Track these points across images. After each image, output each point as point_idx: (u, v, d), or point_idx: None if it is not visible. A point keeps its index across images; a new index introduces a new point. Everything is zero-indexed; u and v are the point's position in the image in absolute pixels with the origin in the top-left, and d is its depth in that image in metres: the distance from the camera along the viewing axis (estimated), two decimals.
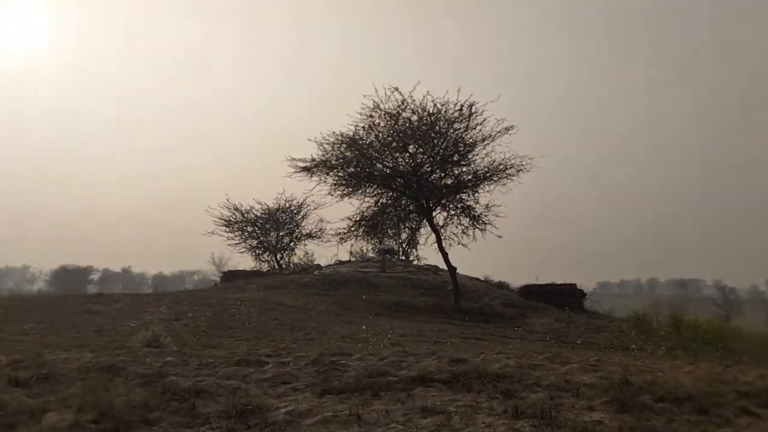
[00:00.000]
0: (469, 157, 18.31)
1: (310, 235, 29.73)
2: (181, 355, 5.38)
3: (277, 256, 30.04)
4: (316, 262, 27.90)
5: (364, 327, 12.04)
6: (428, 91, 16.86)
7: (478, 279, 24.90)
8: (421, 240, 19.68)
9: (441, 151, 18.07)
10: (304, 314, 14.63)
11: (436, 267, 25.48)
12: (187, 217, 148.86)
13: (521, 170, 18.31)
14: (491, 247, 18.61)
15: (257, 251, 30.05)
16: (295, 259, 31.13)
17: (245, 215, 29.30)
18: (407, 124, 17.52)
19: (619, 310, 23.47)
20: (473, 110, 16.95)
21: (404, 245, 26.91)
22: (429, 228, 19.60)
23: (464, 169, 18.63)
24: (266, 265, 30.51)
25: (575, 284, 23.94)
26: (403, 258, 27.37)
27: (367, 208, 19.28)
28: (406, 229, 20.88)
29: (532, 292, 22.62)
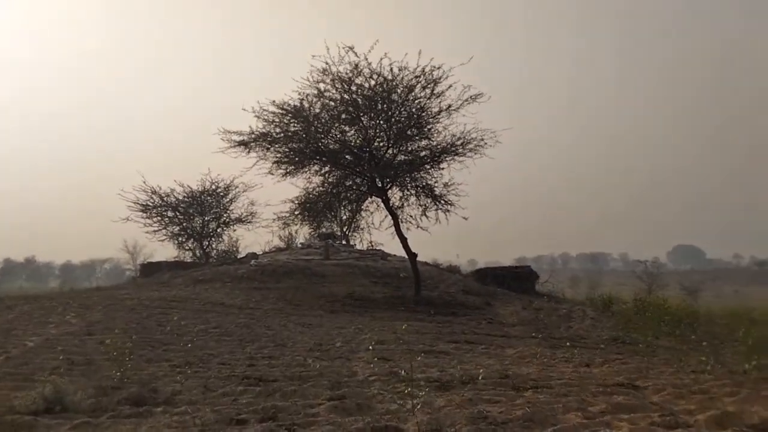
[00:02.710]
0: (427, 130, 16.33)
1: (240, 220, 26.88)
2: None
3: (203, 244, 27.00)
4: (250, 251, 25.15)
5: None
6: (386, 53, 14.61)
7: (427, 263, 23.17)
8: (376, 223, 17.53)
9: (396, 123, 15.97)
10: (248, 316, 12.27)
11: (382, 252, 23.56)
12: (99, 200, 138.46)
13: (480, 145, 16.54)
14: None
15: (180, 239, 26.86)
16: (222, 247, 28.25)
17: (164, 199, 25.98)
18: (360, 92, 15.26)
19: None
20: (436, 75, 14.92)
21: (345, 229, 24.87)
22: (377, 210, 17.67)
23: (422, 144, 16.66)
24: (190, 254, 27.42)
25: (530, 266, 22.87)
26: (345, 242, 25.22)
27: (314, 188, 16.95)
28: (348, 212, 18.83)
29: (487, 276, 21.26)
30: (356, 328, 11.11)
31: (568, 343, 9.09)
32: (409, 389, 4.00)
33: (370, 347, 8.48)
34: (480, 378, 5.62)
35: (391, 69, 14.97)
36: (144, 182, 25.14)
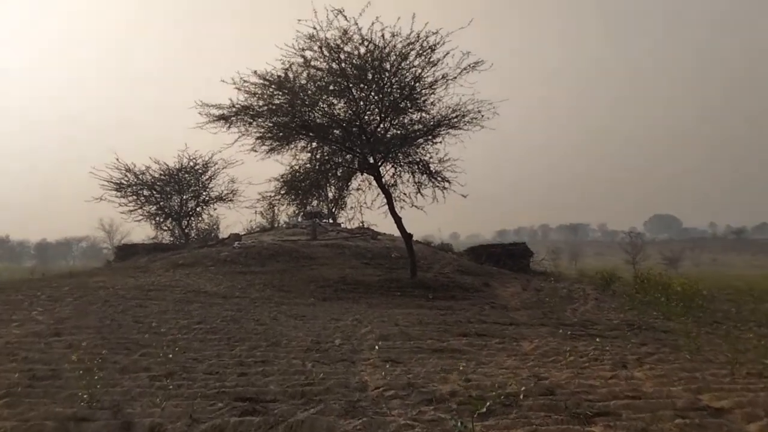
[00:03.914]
0: (421, 102, 15.24)
1: (220, 198, 25.62)
2: None
3: (182, 224, 25.72)
4: (232, 231, 23.98)
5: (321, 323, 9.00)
6: (377, 17, 13.40)
7: (419, 242, 22.30)
8: (367, 202, 16.47)
9: (389, 95, 14.83)
10: (234, 307, 11.27)
11: (372, 231, 22.62)
12: (73, 179, 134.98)
13: (476, 118, 15.52)
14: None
15: (157, 219, 25.54)
16: (203, 226, 27.02)
17: (140, 177, 24.57)
18: (350, 61, 14.08)
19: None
20: (433, 42, 13.76)
21: (332, 207, 23.85)
22: (369, 188, 16.65)
23: (415, 117, 15.59)
24: (169, 235, 26.17)
25: (525, 243, 22.12)
26: (332, 222, 24.21)
27: (301, 166, 15.83)
28: (336, 189, 17.73)
29: (482, 254, 20.48)
30: (354, 320, 10.20)
31: (597, 339, 8.28)
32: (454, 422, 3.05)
33: (376, 347, 7.59)
34: (521, 396, 4.74)
35: (383, 35, 13.81)
36: (117, 160, 23.74)
